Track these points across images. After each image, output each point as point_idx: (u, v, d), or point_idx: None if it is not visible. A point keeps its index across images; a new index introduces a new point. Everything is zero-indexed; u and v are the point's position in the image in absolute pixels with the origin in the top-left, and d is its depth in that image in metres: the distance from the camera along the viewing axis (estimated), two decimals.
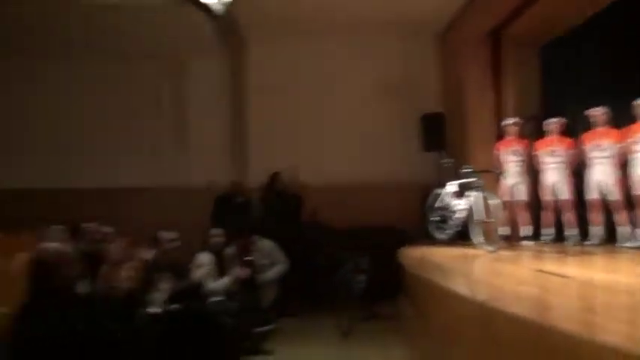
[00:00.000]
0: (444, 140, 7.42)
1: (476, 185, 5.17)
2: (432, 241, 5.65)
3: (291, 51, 7.75)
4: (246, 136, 7.89)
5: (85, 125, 7.92)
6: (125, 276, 2.48)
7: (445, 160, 6.25)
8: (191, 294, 3.69)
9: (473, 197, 5.12)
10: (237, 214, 6.21)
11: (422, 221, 6.77)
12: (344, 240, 6.21)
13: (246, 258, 5.18)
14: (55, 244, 2.58)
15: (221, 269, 5.00)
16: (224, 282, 4.73)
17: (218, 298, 4.33)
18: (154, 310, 3.33)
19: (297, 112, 7.74)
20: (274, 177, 6.16)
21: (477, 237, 5.10)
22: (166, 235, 4.19)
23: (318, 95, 7.82)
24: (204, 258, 4.94)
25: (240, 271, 4.91)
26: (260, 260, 5.42)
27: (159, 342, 2.75)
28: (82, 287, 2.60)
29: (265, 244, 5.62)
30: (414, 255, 5.34)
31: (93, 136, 7.92)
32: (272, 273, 5.49)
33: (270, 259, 5.61)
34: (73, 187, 7.52)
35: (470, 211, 5.12)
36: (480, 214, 5.03)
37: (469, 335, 2.72)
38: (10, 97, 7.87)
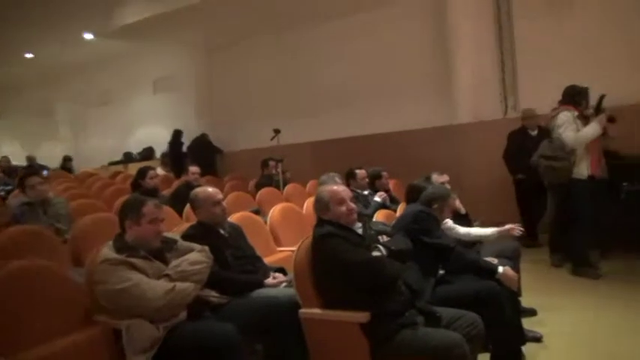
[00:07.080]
0: None
1: None
2: None
3: None
4: (515, 65, 7.08)
5: (363, 77, 8.33)
6: None
7: None
8: None
9: None
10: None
11: None
12: None
13: None
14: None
15: None
16: None
17: None
18: None
19: (574, 26, 6.51)
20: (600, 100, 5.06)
21: None
22: (438, 177, 4.13)
23: None
24: None
25: None
26: None
27: None
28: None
29: None
30: None
31: (370, 86, 8.29)
32: None
33: None
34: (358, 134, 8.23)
35: None
36: None
37: None
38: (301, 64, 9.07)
